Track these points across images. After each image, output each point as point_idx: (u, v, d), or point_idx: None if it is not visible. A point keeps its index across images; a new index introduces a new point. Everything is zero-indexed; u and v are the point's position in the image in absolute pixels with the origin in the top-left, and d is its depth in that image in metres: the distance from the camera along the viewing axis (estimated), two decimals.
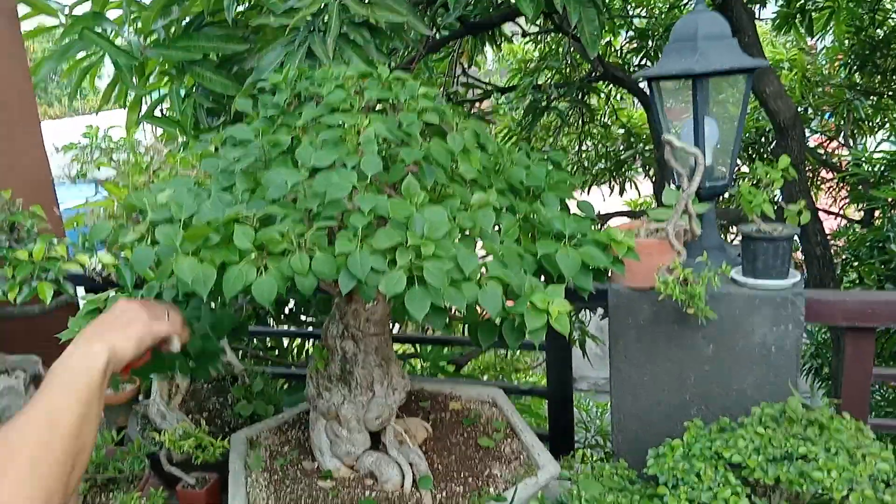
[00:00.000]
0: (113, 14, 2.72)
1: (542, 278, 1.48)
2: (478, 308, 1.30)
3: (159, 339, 1.24)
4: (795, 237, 1.72)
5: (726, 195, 5.49)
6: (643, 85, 5.42)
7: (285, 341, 4.19)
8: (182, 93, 2.72)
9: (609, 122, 6.77)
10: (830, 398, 1.58)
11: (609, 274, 1.73)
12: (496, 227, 1.45)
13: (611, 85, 6.26)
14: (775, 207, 1.73)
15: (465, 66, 5.48)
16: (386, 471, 1.72)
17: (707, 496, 1.41)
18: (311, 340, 4.19)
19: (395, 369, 1.82)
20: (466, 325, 1.51)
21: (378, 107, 1.56)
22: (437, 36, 3.70)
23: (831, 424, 1.46)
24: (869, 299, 1.80)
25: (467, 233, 1.37)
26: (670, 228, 1.57)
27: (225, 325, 1.62)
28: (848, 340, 1.87)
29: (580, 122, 6.39)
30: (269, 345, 4.04)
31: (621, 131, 6.80)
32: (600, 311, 5.78)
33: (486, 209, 1.38)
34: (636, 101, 6.33)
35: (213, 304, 1.67)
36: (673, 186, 1.69)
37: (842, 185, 6.05)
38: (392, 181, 1.42)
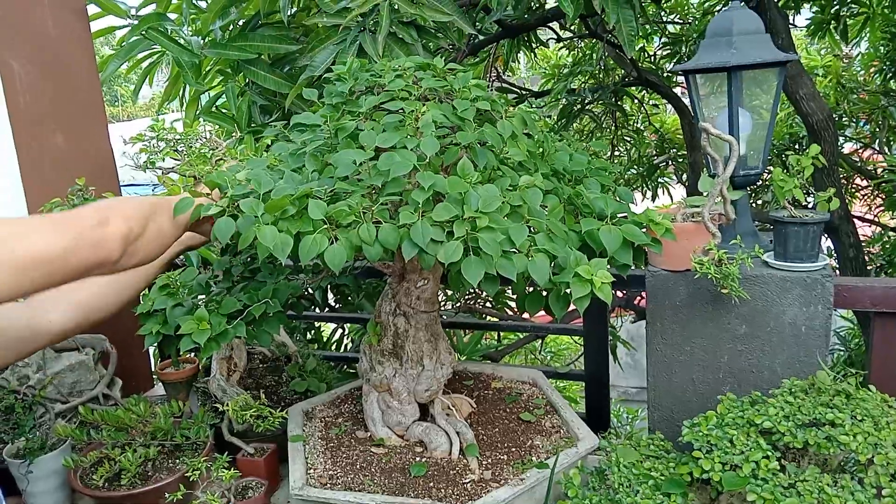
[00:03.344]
0: (171, 17, 2.88)
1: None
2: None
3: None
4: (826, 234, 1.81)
5: (756, 202, 5.56)
6: (677, 90, 5.51)
7: (325, 335, 4.37)
8: (237, 91, 2.87)
9: (642, 128, 6.84)
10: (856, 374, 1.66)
11: (647, 257, 1.84)
12: (542, 207, 1.56)
13: (644, 90, 6.34)
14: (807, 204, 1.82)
15: (500, 70, 5.60)
16: (435, 439, 1.84)
17: (739, 459, 1.50)
18: (349, 336, 4.39)
19: (443, 345, 1.93)
20: (515, 296, 1.62)
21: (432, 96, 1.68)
22: (476, 39, 3.82)
23: (857, 394, 1.55)
24: None
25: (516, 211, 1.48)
26: (706, 211, 1.67)
27: (284, 292, 1.75)
28: (876, 325, 1.94)
29: (613, 126, 6.48)
30: (309, 337, 4.21)
31: (654, 137, 6.87)
32: (632, 315, 5.85)
33: (533, 189, 1.49)
34: (669, 106, 6.40)
35: (277, 280, 1.80)
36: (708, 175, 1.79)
37: (877, 192, 6.06)
38: (446, 163, 1.54)
